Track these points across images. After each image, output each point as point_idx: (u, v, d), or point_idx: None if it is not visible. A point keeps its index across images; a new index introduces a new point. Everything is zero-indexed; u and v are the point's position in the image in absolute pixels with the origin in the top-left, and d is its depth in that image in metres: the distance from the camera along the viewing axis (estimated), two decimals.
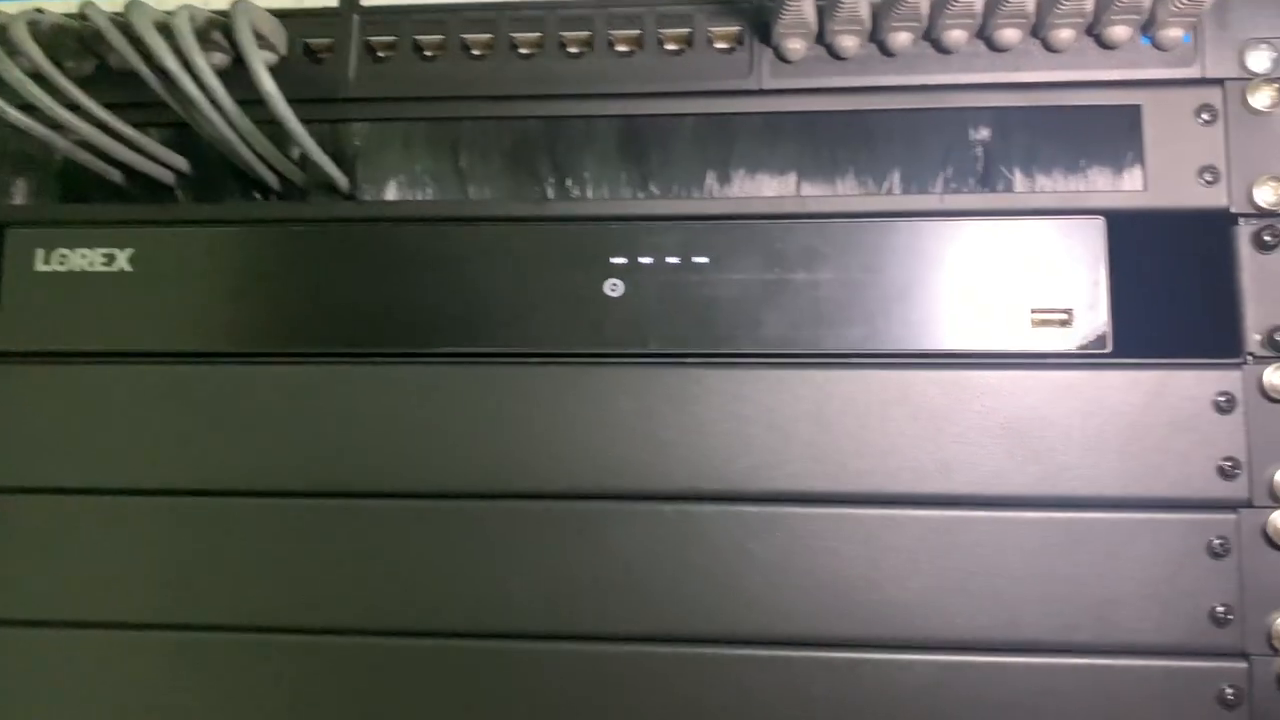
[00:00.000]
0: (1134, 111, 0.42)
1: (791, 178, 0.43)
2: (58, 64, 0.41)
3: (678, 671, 0.41)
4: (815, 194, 0.43)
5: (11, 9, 0.43)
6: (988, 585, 0.40)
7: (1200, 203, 0.41)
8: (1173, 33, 0.41)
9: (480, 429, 0.42)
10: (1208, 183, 0.41)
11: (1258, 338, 0.41)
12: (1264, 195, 0.41)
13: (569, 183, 0.44)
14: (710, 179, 0.43)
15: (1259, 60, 0.42)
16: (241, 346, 0.44)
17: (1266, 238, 0.41)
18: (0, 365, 0.45)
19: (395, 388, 0.42)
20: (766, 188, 0.43)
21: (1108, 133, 0.42)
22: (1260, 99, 0.41)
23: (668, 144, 0.44)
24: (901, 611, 0.40)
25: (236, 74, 0.41)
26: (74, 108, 0.41)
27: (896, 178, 0.43)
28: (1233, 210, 0.41)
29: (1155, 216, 0.41)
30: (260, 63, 0.39)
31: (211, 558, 0.43)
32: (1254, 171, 0.41)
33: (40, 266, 0.44)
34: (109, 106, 0.42)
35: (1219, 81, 0.42)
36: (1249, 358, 0.40)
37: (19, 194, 0.46)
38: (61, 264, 0.44)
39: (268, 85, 0.39)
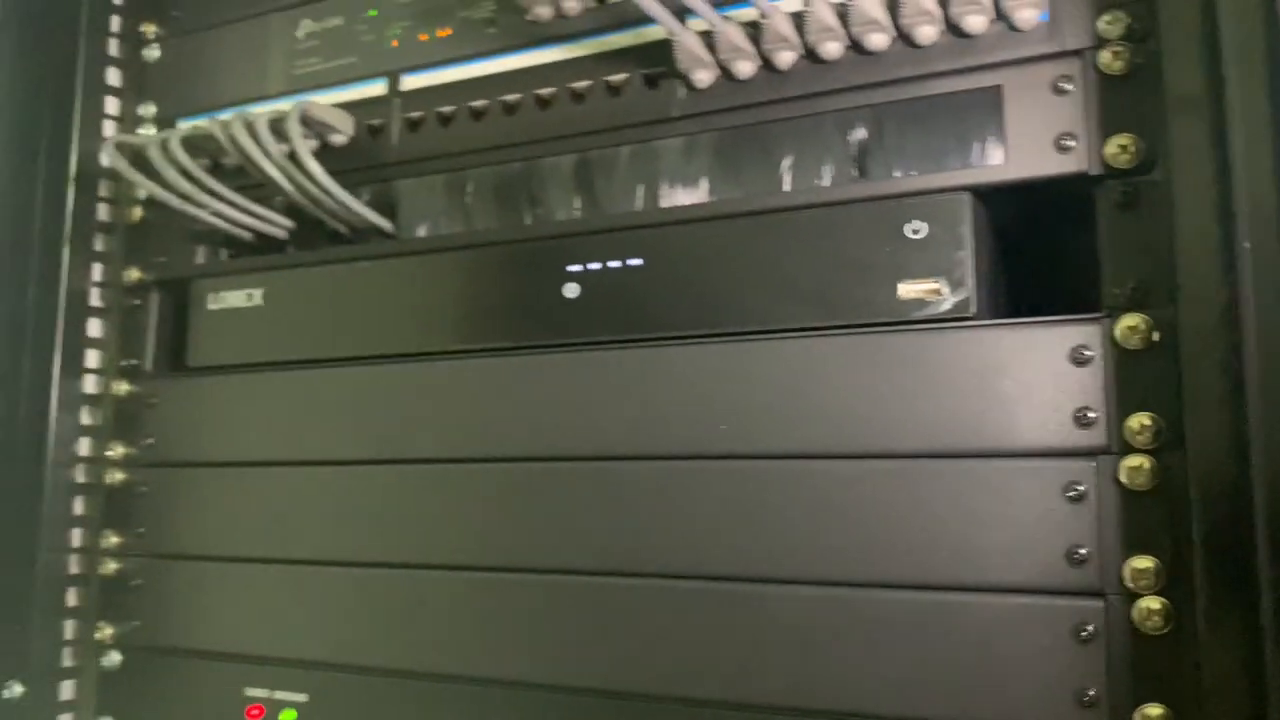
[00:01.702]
0: (995, 92, 0.45)
1: (704, 185, 0.51)
2: (215, 164, 0.60)
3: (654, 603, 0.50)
4: (725, 197, 0.50)
5: (149, 134, 0.62)
6: (866, 526, 0.45)
7: (1059, 169, 0.44)
8: (1027, 14, 0.44)
9: (478, 410, 0.54)
10: (1065, 149, 0.44)
11: (1116, 292, 0.42)
12: (1118, 156, 0.43)
13: (539, 209, 0.55)
14: (640, 194, 0.52)
15: (1111, 27, 0.43)
16: (337, 353, 0.59)
17: (1123, 196, 0.42)
18: (200, 377, 0.64)
19: (427, 379, 0.56)
20: (684, 196, 0.51)
21: (973, 114, 0.46)
22: (1112, 64, 0.43)
23: (610, 171, 0.53)
24: (799, 552, 0.47)
25: (320, 154, 0.58)
26: (213, 192, 0.59)
27: (788, 177, 0.49)
28: (1090, 173, 0.43)
29: (1016, 186, 0.45)
30: (306, 150, 0.55)
31: (314, 509, 0.58)
32: (1109, 134, 0.43)
33: (210, 306, 0.63)
34: (237, 189, 0.60)
35: (1077, 52, 0.44)
36: (1106, 312, 0.42)
37: (197, 256, 0.65)
38: (222, 304, 0.62)
39: (312, 164, 0.55)
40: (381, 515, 0.57)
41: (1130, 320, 0.42)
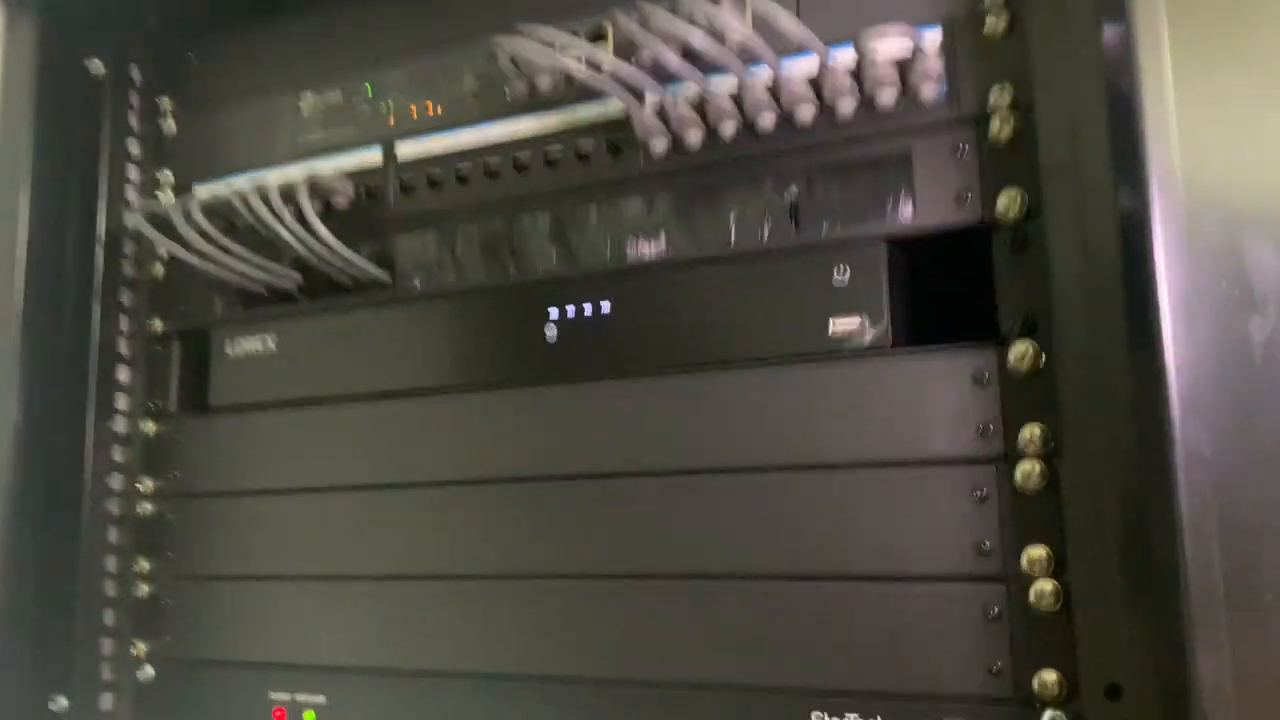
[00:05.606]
0: (906, 156, 0.53)
1: (663, 237, 0.59)
2: (230, 224, 0.68)
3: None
4: (681, 247, 0.58)
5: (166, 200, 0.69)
6: (808, 527, 0.53)
7: (959, 220, 0.52)
8: (928, 88, 0.52)
9: (464, 439, 0.61)
10: (964, 203, 0.52)
11: (1009, 323, 0.50)
12: (1007, 209, 0.50)
13: (521, 262, 0.62)
14: (609, 247, 0.60)
15: (999, 99, 0.51)
16: (343, 392, 0.66)
17: (1012, 242, 0.50)
18: (220, 416, 0.71)
19: (422, 414, 0.63)
20: (646, 248, 0.59)
21: (887, 175, 0.54)
22: (1000, 131, 0.51)
23: (582, 225, 0.61)
24: (753, 550, 0.54)
25: (323, 215, 0.65)
26: (228, 251, 0.66)
27: (734, 230, 0.57)
28: (985, 223, 0.51)
29: (924, 236, 0.52)
30: (312, 213, 0.62)
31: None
32: (999, 189, 0.51)
33: (229, 352, 0.70)
34: (250, 246, 0.67)
35: (972, 120, 0.52)
36: (1001, 340, 0.50)
37: (215, 308, 0.72)
38: (239, 350, 0.70)
39: (318, 226, 0.62)
40: (384, 534, 0.64)
41: (1020, 348, 0.49)
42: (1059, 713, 0.47)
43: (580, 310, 0.60)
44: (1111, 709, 0.45)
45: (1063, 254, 0.48)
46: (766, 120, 0.56)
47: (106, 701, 0.70)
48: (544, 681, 0.59)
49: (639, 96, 0.57)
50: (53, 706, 0.67)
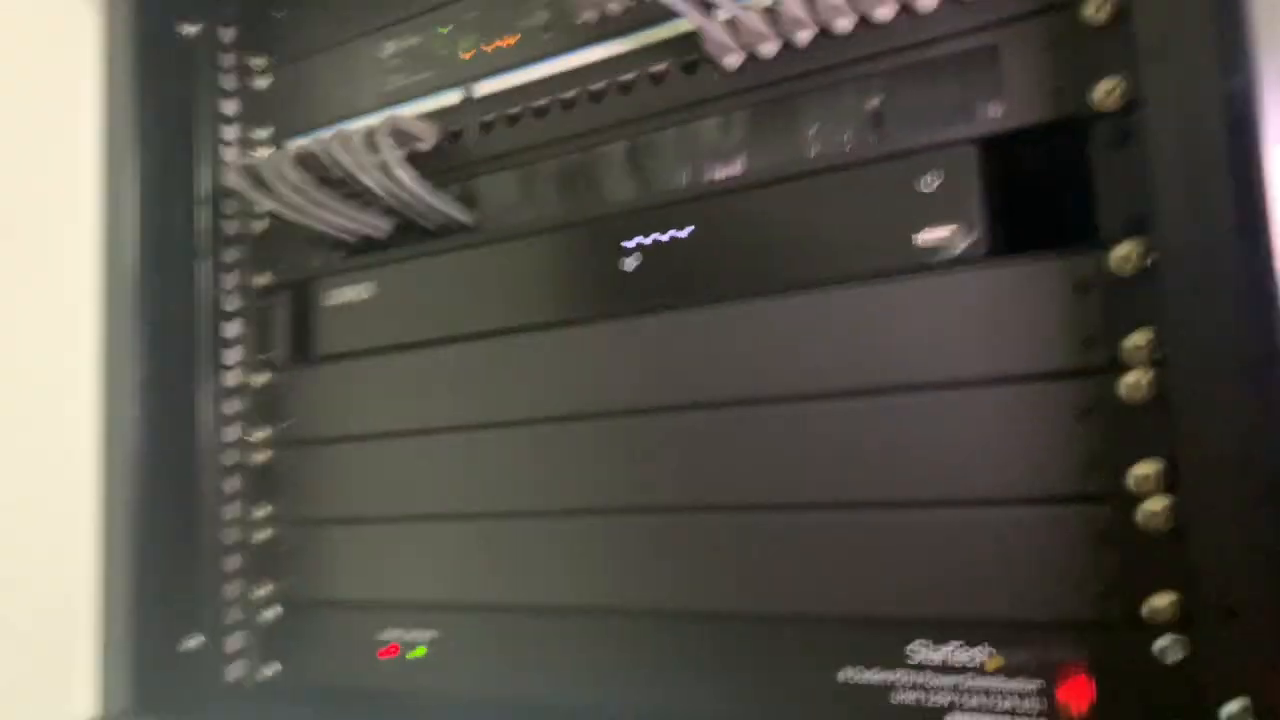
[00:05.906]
0: (994, 50, 0.49)
1: (742, 156, 0.56)
2: (325, 179, 0.69)
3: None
4: (760, 167, 0.56)
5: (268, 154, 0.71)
6: (905, 450, 0.50)
7: (1054, 115, 0.48)
8: None
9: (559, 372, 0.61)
10: (1059, 96, 0.48)
11: (1111, 224, 0.46)
12: (1105, 99, 0.46)
13: (601, 192, 0.61)
14: (687, 172, 0.58)
15: None
16: (440, 335, 0.67)
17: (1112, 135, 0.46)
18: (325, 365, 0.73)
19: (518, 351, 0.63)
20: (726, 168, 0.57)
21: (975, 71, 0.50)
22: (1096, 14, 0.47)
23: (660, 150, 0.59)
24: (856, 479, 0.52)
25: (409, 160, 0.65)
26: (320, 202, 0.68)
27: (815, 143, 0.54)
28: (1082, 116, 0.47)
29: (1018, 134, 0.49)
30: (395, 159, 0.63)
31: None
32: (1097, 79, 0.46)
33: (329, 302, 0.72)
34: (345, 196, 0.68)
35: (1064, 6, 0.48)
36: (1103, 244, 0.46)
37: (315, 259, 0.74)
38: (339, 299, 0.71)
39: (399, 172, 0.62)
40: (487, 471, 0.64)
41: (1123, 249, 0.45)
42: (1172, 638, 0.44)
43: (659, 238, 0.58)
44: (1228, 633, 0.41)
45: (1167, 145, 0.43)
46: (843, 24, 0.53)
47: (234, 641, 0.74)
48: (649, 615, 0.58)
49: (709, 10, 0.55)
50: (185, 646, 0.71)
